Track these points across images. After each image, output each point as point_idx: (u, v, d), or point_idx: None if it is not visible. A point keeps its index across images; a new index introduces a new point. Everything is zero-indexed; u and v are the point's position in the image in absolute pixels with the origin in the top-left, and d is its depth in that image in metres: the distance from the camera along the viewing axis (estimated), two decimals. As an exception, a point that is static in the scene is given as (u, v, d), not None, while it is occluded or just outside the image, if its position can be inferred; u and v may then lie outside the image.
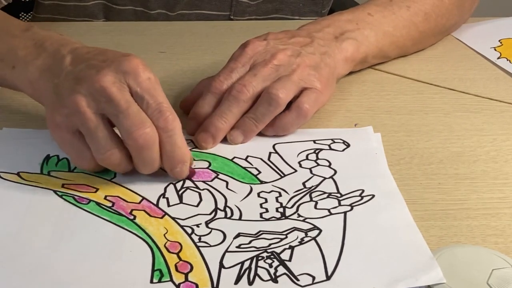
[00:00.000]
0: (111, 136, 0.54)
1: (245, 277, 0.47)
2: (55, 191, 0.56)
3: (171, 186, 0.57)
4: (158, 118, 0.54)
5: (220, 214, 0.54)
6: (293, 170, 0.59)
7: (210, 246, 0.50)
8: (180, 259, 0.49)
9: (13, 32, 0.63)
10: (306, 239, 0.51)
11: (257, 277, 0.47)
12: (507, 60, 0.80)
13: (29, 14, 0.99)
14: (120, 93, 0.53)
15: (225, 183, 0.57)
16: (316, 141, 0.63)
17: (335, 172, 0.59)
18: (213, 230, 0.52)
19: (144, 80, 0.54)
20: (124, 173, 0.57)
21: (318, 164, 0.60)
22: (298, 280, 0.47)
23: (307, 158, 0.61)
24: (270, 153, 0.62)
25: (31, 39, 0.61)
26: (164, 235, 0.51)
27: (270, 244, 0.50)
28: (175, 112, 0.55)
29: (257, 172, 0.59)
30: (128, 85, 0.54)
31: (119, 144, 0.54)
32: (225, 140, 0.63)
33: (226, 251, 0.50)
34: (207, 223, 0.53)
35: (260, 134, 0.64)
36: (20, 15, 1.04)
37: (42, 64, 0.58)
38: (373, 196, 0.56)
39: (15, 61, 0.60)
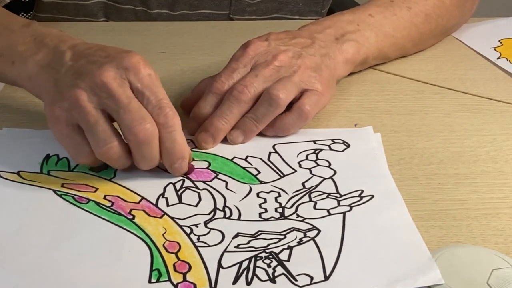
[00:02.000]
0: (111, 131, 0.54)
1: (243, 277, 0.47)
2: (54, 191, 0.56)
3: (171, 186, 0.57)
4: (158, 114, 0.54)
5: (219, 214, 0.54)
6: (293, 170, 0.59)
7: (209, 246, 0.50)
8: (178, 259, 0.49)
9: (13, 27, 0.63)
10: (304, 239, 0.51)
11: (255, 277, 0.47)
12: (507, 60, 0.80)
13: (30, 14, 0.99)
14: (121, 89, 0.54)
15: (224, 183, 0.57)
16: (316, 142, 0.63)
17: (335, 172, 0.59)
18: (212, 230, 0.52)
19: (145, 76, 0.55)
20: (123, 169, 0.57)
21: (318, 165, 0.60)
22: (296, 280, 0.47)
23: (307, 159, 0.61)
24: (270, 153, 0.62)
25: (30, 35, 0.61)
26: (163, 234, 0.51)
27: (268, 244, 0.50)
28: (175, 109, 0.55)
29: (257, 172, 0.59)
30: (129, 81, 0.54)
31: (118, 138, 0.55)
32: (225, 140, 0.63)
33: (225, 251, 0.50)
34: (206, 223, 0.53)
35: (260, 134, 0.64)
36: (20, 14, 1.03)
37: (41, 59, 0.59)
38: (372, 196, 0.56)
39: (15, 56, 0.60)
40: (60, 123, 0.55)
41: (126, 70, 0.54)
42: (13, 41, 0.61)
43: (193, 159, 0.60)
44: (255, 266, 0.48)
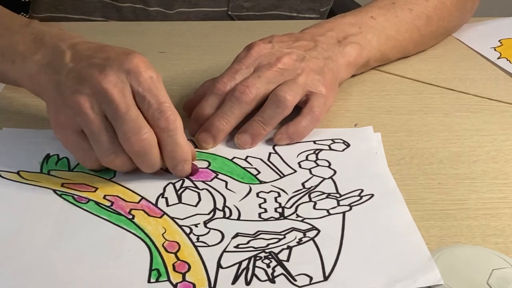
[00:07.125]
0: (115, 138, 0.54)
1: (242, 277, 0.47)
2: (54, 190, 0.56)
3: (170, 185, 0.57)
4: (159, 118, 0.54)
5: (219, 214, 0.54)
6: (293, 171, 0.59)
7: (208, 246, 0.50)
8: (178, 258, 0.49)
9: (13, 27, 0.63)
10: (304, 239, 0.51)
11: (254, 277, 0.47)
12: (507, 60, 0.80)
13: (29, 13, 0.99)
14: (121, 96, 0.53)
15: (224, 183, 0.57)
16: (316, 142, 0.63)
17: (335, 172, 0.59)
18: (211, 230, 0.52)
19: (146, 79, 0.54)
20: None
21: (318, 165, 0.60)
22: (295, 280, 0.47)
23: (306, 159, 0.61)
24: (270, 153, 0.62)
25: (30, 34, 0.61)
26: (163, 234, 0.51)
27: (268, 244, 0.50)
28: (177, 111, 0.55)
29: (257, 172, 0.59)
30: (130, 84, 0.54)
31: (122, 146, 0.55)
32: (225, 140, 0.63)
33: (224, 251, 0.50)
34: (205, 223, 0.53)
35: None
36: (20, 14, 1.03)
37: (41, 59, 0.58)
38: (372, 196, 0.56)
39: (15, 56, 0.60)
40: (65, 130, 0.55)
41: (127, 73, 0.54)
42: (13, 41, 0.61)
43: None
44: (254, 266, 0.48)
